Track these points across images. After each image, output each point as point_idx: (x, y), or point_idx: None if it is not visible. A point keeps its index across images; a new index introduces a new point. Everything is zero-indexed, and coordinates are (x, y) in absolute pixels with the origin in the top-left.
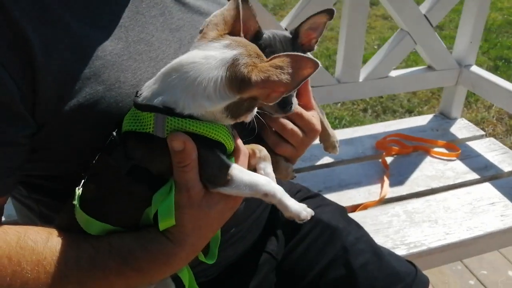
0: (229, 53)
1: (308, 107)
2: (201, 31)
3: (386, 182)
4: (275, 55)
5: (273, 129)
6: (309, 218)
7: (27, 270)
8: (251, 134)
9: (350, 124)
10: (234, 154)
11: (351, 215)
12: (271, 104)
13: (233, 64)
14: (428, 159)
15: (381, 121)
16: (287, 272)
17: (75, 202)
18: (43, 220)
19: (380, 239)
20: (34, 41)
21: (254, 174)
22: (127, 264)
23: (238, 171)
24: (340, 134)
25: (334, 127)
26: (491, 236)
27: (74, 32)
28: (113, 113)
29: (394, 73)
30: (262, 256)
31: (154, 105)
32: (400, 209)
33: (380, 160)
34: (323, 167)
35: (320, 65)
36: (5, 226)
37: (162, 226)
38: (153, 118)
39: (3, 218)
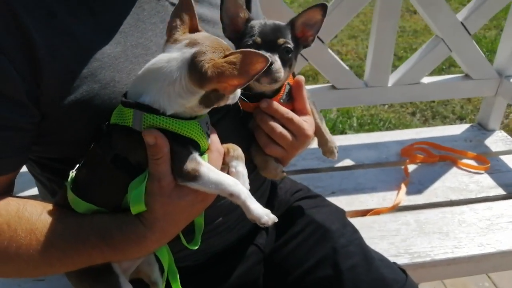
0: (188, 52)
1: (302, 112)
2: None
3: (403, 189)
4: (231, 51)
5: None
6: (270, 223)
7: (22, 236)
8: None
9: (394, 127)
10: (208, 152)
11: (359, 219)
12: (230, 95)
13: (192, 62)
14: (454, 170)
15: (429, 127)
16: (275, 266)
17: (67, 183)
18: (54, 197)
19: (384, 246)
20: (39, 42)
21: (222, 174)
22: (104, 240)
23: (207, 169)
24: (367, 138)
25: (378, 129)
26: (504, 255)
27: (77, 37)
28: (107, 109)
29: (426, 80)
30: (249, 248)
31: (132, 102)
32: (412, 218)
33: (402, 167)
34: (342, 169)
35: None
36: (9, 198)
37: (134, 210)
38: (132, 113)
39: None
